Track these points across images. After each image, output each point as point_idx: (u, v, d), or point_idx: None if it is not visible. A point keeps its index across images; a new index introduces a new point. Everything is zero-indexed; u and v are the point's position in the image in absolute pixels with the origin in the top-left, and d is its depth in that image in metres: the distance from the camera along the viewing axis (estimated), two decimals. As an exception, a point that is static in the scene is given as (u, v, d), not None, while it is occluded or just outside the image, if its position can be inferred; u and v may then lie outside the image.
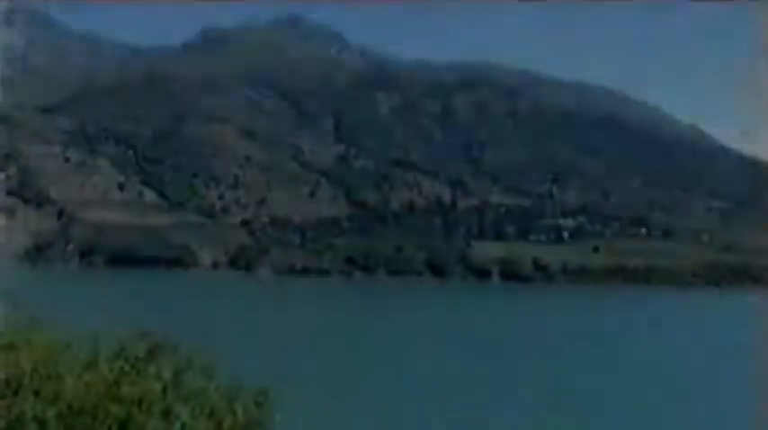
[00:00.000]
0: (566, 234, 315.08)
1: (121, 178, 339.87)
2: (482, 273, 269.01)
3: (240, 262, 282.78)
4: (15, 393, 10.50)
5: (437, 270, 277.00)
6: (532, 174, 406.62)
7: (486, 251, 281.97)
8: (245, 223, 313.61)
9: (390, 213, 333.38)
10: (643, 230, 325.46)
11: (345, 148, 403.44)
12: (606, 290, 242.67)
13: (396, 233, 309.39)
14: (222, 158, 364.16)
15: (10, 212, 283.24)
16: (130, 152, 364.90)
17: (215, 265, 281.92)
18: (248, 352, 63.19)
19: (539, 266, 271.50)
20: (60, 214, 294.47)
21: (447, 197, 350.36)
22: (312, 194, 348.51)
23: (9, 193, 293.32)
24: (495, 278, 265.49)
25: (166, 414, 10.75)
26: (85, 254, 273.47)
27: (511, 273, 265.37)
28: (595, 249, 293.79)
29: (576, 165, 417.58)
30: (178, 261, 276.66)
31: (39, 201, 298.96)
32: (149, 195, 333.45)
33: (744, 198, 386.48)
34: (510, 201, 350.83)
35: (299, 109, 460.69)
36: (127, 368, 11.13)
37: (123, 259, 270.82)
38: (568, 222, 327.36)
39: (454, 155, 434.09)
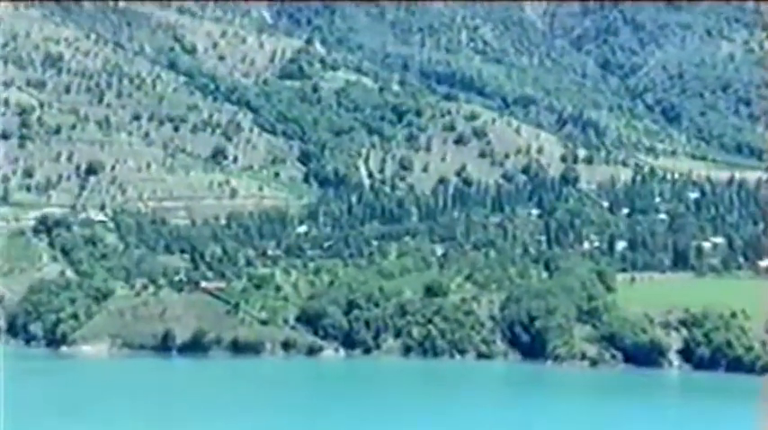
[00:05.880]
0: None
1: None
2: (643, 352, 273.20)
3: (49, 325, 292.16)
4: None
5: (529, 344, 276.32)
6: (751, 107, 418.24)
7: (650, 296, 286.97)
8: (57, 231, 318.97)
9: (411, 201, 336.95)
10: None
11: (304, 42, 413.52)
12: None
13: (420, 248, 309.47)
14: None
15: None
16: None
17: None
18: None
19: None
20: None
21: (552, 163, 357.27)
22: (217, 156, 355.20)
23: None
24: (675, 363, 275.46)
25: None
26: None
27: (712, 353, 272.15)
28: None
29: None
30: None
31: None
32: None
33: None
34: (708, 174, 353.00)
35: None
36: None
37: None
38: None
39: (565, 61, 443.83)
